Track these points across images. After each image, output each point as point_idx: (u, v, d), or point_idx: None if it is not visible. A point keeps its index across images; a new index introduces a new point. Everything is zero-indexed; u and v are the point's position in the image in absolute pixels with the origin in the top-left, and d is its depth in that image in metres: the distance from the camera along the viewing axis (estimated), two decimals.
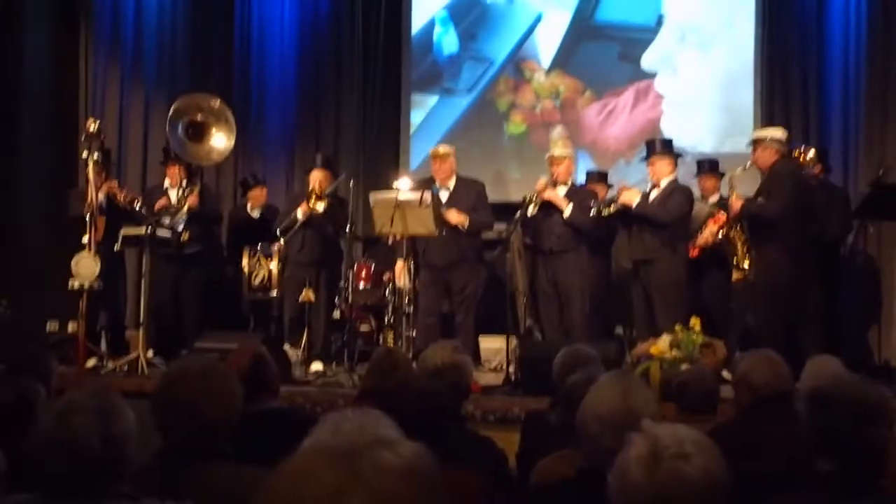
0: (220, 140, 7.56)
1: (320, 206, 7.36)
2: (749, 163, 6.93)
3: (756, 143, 6.89)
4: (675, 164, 7.35)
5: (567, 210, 7.43)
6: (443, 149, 7.74)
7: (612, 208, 7.23)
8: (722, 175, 7.88)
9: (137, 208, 7.65)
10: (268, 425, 3.16)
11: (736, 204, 6.80)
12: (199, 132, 7.52)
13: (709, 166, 8.15)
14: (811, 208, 6.98)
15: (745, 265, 6.76)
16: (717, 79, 9.75)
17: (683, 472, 1.68)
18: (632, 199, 7.15)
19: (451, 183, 7.61)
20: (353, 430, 1.47)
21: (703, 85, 9.79)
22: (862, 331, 8.31)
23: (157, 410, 2.58)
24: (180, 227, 7.65)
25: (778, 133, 6.96)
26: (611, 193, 7.95)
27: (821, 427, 2.53)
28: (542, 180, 7.54)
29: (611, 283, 8.16)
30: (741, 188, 7.06)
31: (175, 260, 7.72)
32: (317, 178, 7.62)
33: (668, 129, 9.39)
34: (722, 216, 7.20)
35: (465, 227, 7.39)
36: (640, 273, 7.17)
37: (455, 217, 7.35)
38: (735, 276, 6.93)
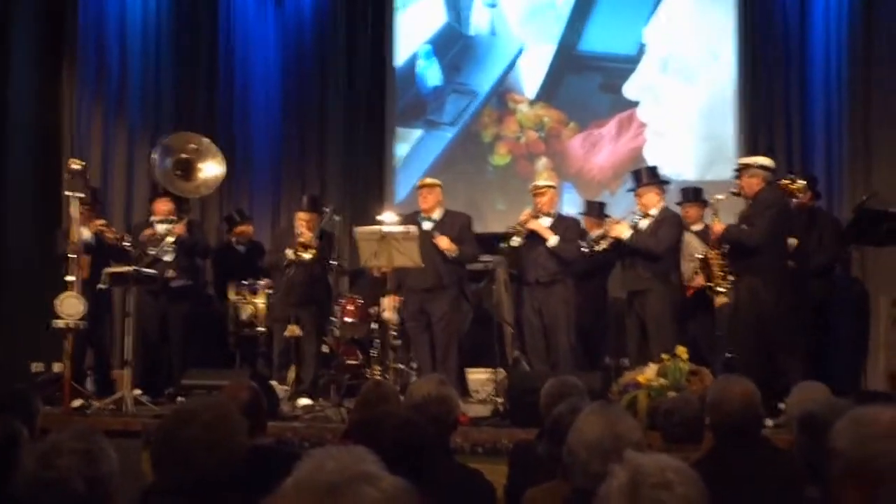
0: (212, 169, 7.61)
1: (307, 256, 7.33)
2: (733, 188, 6.92)
3: (742, 169, 6.88)
4: (663, 193, 7.37)
5: (552, 240, 7.46)
6: (430, 179, 7.86)
7: (605, 243, 7.24)
8: (706, 203, 7.88)
9: (126, 246, 7.64)
10: (254, 462, 3.14)
11: (717, 227, 6.81)
12: (187, 170, 7.57)
13: (693, 194, 8.17)
14: (793, 237, 7.00)
15: (720, 288, 6.76)
16: (700, 107, 9.83)
17: (665, 501, 1.69)
18: (622, 231, 7.16)
19: (437, 214, 7.62)
20: (335, 467, 1.47)
21: (685, 113, 9.87)
22: (848, 357, 8.31)
23: (156, 450, 2.49)
24: (167, 257, 7.66)
25: (765, 161, 6.96)
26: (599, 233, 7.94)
27: (810, 453, 2.52)
28: (526, 211, 7.58)
29: (606, 313, 8.16)
30: (724, 213, 7.08)
31: (161, 295, 7.72)
32: (303, 220, 7.60)
33: (651, 158, 9.44)
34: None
35: (453, 255, 7.42)
36: (635, 303, 7.17)
37: (445, 243, 7.39)
38: (718, 301, 6.91)
